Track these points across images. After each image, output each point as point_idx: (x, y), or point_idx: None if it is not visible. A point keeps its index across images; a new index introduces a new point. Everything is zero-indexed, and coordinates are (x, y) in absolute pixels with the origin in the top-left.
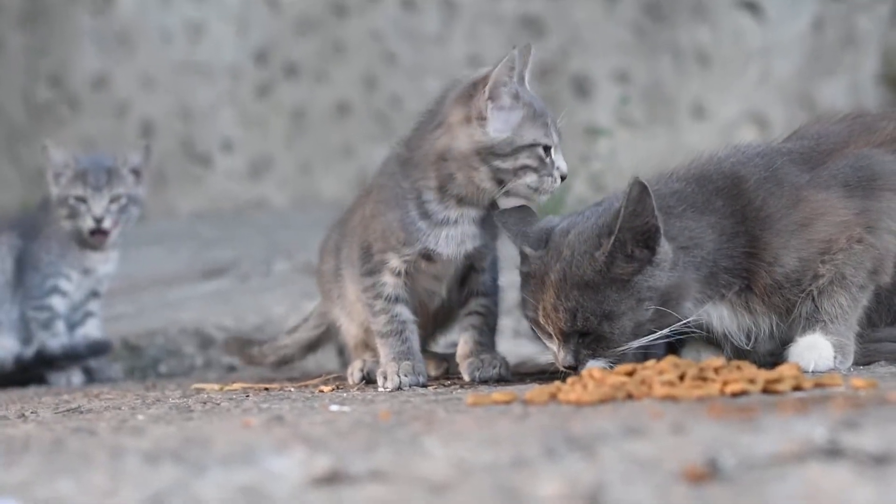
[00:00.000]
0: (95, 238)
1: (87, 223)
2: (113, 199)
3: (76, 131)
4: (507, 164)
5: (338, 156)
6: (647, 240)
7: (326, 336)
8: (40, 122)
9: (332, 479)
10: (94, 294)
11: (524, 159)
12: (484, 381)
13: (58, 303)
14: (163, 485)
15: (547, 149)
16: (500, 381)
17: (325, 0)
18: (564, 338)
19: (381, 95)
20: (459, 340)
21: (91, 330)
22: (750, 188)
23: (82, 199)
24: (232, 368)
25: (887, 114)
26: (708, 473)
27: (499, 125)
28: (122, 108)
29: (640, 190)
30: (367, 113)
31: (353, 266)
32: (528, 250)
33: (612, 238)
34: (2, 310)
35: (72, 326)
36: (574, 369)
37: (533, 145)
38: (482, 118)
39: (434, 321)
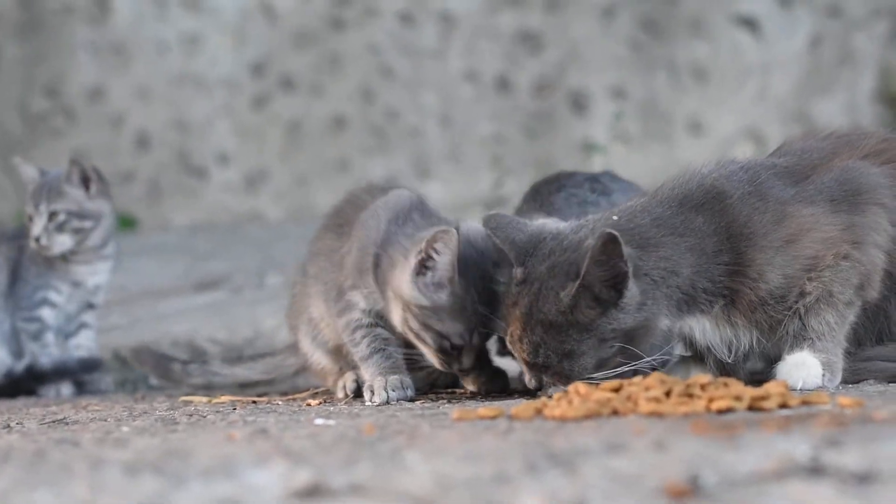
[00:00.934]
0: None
1: (31, 242)
2: (51, 217)
3: (72, 142)
4: (412, 323)
5: (334, 169)
6: (615, 284)
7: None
8: (35, 133)
9: (313, 492)
10: (90, 306)
11: (426, 335)
12: (489, 394)
13: (48, 314)
14: (142, 497)
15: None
16: (502, 393)
17: (323, 13)
18: (529, 366)
19: (378, 109)
20: None
21: (84, 341)
22: (733, 203)
23: (30, 218)
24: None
25: (873, 133)
26: (689, 490)
27: (423, 288)
28: (118, 119)
29: (606, 241)
30: (364, 126)
31: (326, 295)
32: (514, 266)
33: (577, 283)
34: None
35: (66, 337)
36: (538, 391)
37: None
38: (413, 272)
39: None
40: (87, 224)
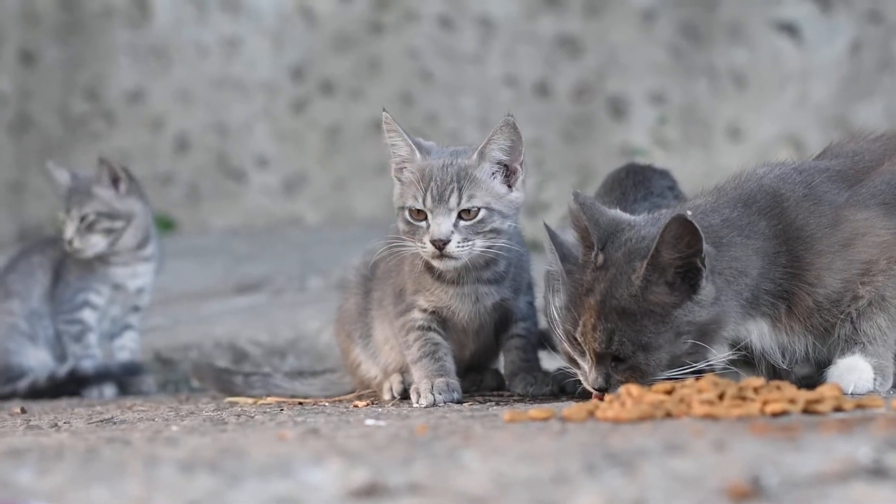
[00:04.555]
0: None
1: (65, 245)
2: (82, 219)
3: (111, 145)
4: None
5: (372, 173)
6: (688, 273)
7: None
8: (75, 136)
9: (370, 491)
10: (135, 308)
11: (401, 223)
12: (535, 397)
13: (89, 316)
14: (198, 494)
15: (417, 212)
16: (551, 397)
17: (362, 17)
18: (598, 359)
19: (417, 113)
20: (505, 361)
21: (127, 342)
22: (790, 206)
23: (63, 222)
24: None
25: None
26: (751, 491)
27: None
28: (158, 122)
29: (679, 227)
30: (403, 130)
31: (386, 308)
32: (594, 249)
33: (646, 262)
34: (40, 324)
35: (110, 337)
36: (604, 391)
37: (401, 208)
38: (394, 182)
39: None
40: (119, 224)
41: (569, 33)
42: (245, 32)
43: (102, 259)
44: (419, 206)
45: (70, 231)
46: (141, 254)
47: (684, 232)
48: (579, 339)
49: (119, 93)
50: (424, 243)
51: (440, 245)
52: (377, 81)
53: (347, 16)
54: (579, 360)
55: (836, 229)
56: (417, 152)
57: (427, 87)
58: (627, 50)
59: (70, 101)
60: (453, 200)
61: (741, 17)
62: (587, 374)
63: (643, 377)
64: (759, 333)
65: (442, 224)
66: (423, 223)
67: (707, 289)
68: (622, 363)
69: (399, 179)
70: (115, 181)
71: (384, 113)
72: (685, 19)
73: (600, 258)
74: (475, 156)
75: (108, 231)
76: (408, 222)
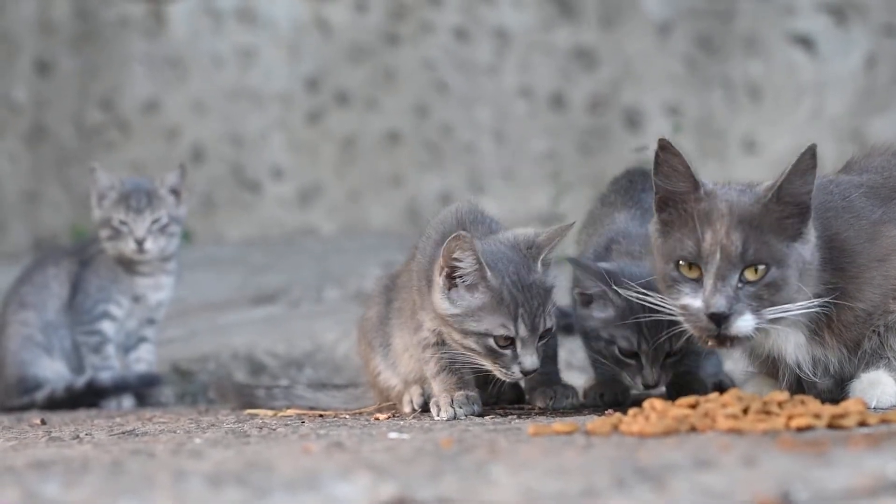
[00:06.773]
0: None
1: (129, 245)
2: (154, 221)
3: (126, 155)
4: (456, 338)
5: (387, 184)
6: (800, 208)
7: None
8: (90, 146)
9: None
10: (151, 321)
11: (474, 344)
12: (556, 410)
13: (108, 327)
14: None
15: (505, 339)
16: (572, 410)
17: (378, 28)
18: (726, 273)
19: (432, 124)
20: None
21: (144, 354)
22: (832, 217)
23: (124, 223)
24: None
25: None
26: None
27: (455, 299)
28: (173, 132)
29: (810, 157)
30: (418, 141)
31: (406, 318)
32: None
33: (776, 185)
34: (56, 336)
35: (125, 350)
36: (722, 321)
37: (482, 335)
38: (442, 287)
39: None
40: (177, 229)
41: (584, 45)
42: (260, 43)
43: (129, 268)
44: (510, 334)
45: (141, 230)
46: (166, 266)
47: (810, 165)
48: (705, 252)
49: (134, 103)
50: (513, 372)
51: (530, 374)
52: (392, 92)
53: (363, 26)
54: (687, 292)
55: (873, 244)
56: (489, 272)
57: (442, 99)
58: (643, 62)
59: (85, 110)
60: (541, 327)
61: (757, 30)
62: (704, 300)
63: (772, 296)
64: (796, 343)
65: (534, 354)
66: (510, 350)
67: (811, 233)
68: (752, 285)
69: (451, 286)
70: (174, 189)
71: (462, 232)
72: (700, 31)
73: (708, 188)
74: (540, 267)
75: (172, 235)
76: (491, 349)
